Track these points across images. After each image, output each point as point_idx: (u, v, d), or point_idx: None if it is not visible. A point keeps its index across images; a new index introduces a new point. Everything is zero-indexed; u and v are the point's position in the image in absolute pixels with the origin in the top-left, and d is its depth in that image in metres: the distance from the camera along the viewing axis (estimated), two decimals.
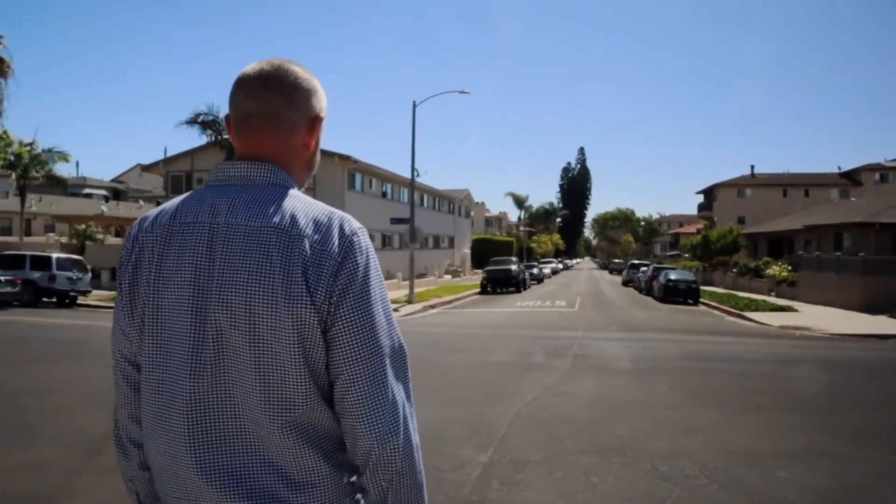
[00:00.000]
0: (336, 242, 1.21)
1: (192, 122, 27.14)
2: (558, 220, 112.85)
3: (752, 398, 7.95)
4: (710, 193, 68.32)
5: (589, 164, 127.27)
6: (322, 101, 1.37)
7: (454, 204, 55.44)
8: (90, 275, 22.56)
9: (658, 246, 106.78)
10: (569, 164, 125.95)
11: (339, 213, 1.28)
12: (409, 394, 1.29)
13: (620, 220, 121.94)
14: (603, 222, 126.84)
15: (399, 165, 77.90)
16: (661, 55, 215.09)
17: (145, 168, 35.57)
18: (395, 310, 22.22)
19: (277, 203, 1.23)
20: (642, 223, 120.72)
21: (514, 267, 36.00)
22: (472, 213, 69.37)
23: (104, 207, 43.89)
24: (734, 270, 38.78)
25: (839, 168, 65.61)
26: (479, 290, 34.19)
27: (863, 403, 8.06)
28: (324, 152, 31.59)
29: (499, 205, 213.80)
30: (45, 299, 20.86)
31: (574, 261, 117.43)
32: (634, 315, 22.45)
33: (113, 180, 60.08)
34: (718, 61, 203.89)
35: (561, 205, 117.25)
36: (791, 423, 6.67)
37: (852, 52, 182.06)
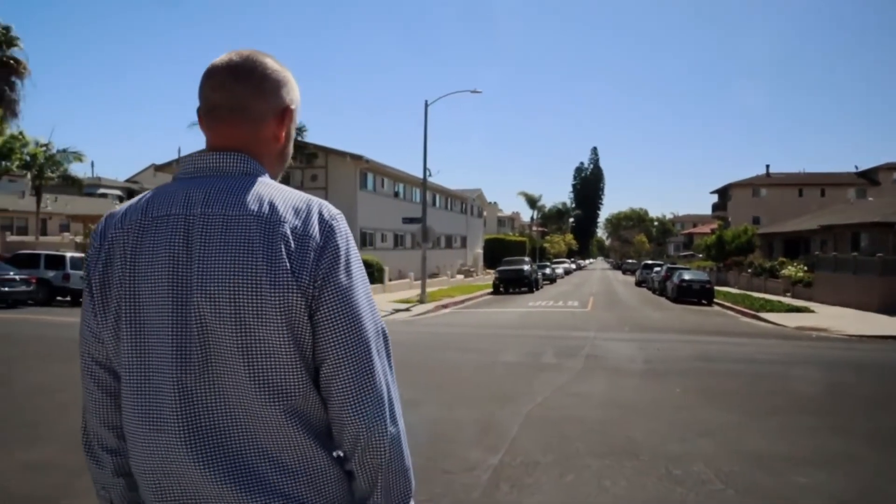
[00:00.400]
0: (316, 227, 1.21)
1: None
2: (571, 220, 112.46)
3: (767, 400, 7.81)
4: (724, 193, 67.80)
5: (602, 163, 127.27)
6: (293, 93, 1.35)
7: (466, 204, 55.36)
8: None
9: (671, 246, 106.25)
10: (582, 163, 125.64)
11: (316, 199, 1.27)
12: (393, 378, 1.26)
13: (633, 221, 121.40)
14: (616, 222, 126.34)
15: (411, 165, 77.92)
16: (674, 54, 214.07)
17: (159, 168, 35.81)
18: (407, 309, 22.23)
19: (253, 191, 1.21)
20: (656, 223, 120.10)
21: (526, 267, 35.88)
22: (485, 213, 69.25)
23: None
24: (749, 271, 38.43)
25: (856, 167, 64.94)
26: (491, 290, 34.11)
27: (882, 406, 7.89)
28: (336, 152, 32.05)
29: (511, 205, 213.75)
30: (59, 298, 21.03)
31: (587, 261, 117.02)
32: (647, 315, 22.27)
33: (127, 180, 60.46)
34: (734, 60, 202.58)
35: (574, 205, 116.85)
36: (808, 426, 6.53)
37: (869, 51, 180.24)
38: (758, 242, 45.52)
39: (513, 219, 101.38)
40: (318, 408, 1.20)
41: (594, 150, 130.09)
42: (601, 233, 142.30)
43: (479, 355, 11.50)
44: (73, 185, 33.76)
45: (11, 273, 19.60)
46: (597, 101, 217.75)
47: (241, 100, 1.27)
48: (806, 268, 31.31)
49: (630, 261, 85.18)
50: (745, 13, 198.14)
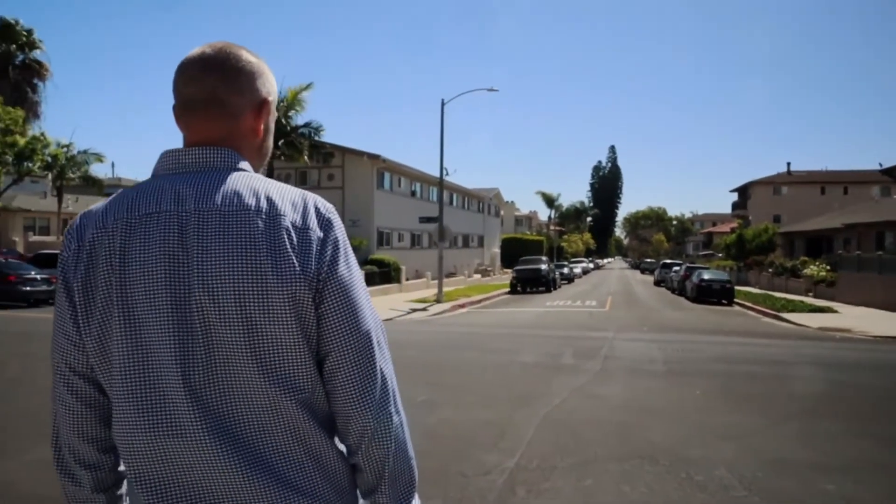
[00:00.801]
0: (315, 221, 1.20)
1: None
2: (589, 219, 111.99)
3: (791, 403, 7.63)
4: (744, 192, 67.03)
5: (620, 162, 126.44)
6: (269, 84, 1.32)
7: (483, 203, 55.20)
8: None
9: (690, 245, 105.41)
10: (599, 162, 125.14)
11: (310, 194, 1.25)
12: (392, 368, 1.28)
13: (652, 220, 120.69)
14: (634, 221, 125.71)
15: (428, 164, 77.89)
16: (693, 52, 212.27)
17: None
18: (424, 309, 22.19)
19: (247, 186, 1.19)
20: (674, 222, 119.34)
21: (544, 266, 35.70)
22: (502, 212, 69.04)
23: None
24: (770, 270, 37.93)
25: (880, 165, 63.07)
26: (508, 289, 34.01)
27: None
28: (353, 151, 32.08)
29: (529, 204, 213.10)
30: None
31: (605, 260, 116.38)
32: (667, 315, 22.02)
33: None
34: (754, 57, 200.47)
35: (592, 204, 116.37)
36: (835, 430, 6.35)
37: (894, 45, 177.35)
38: (779, 241, 44.95)
39: (530, 218, 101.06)
40: (324, 400, 1.19)
41: (612, 148, 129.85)
42: (619, 232, 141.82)
43: (496, 355, 11.39)
44: (93, 186, 34.08)
45: (33, 272, 19.84)
46: (615, 100, 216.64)
47: (215, 93, 1.23)
48: (829, 267, 30.82)
49: (648, 260, 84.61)
50: (766, 9, 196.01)
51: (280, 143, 27.35)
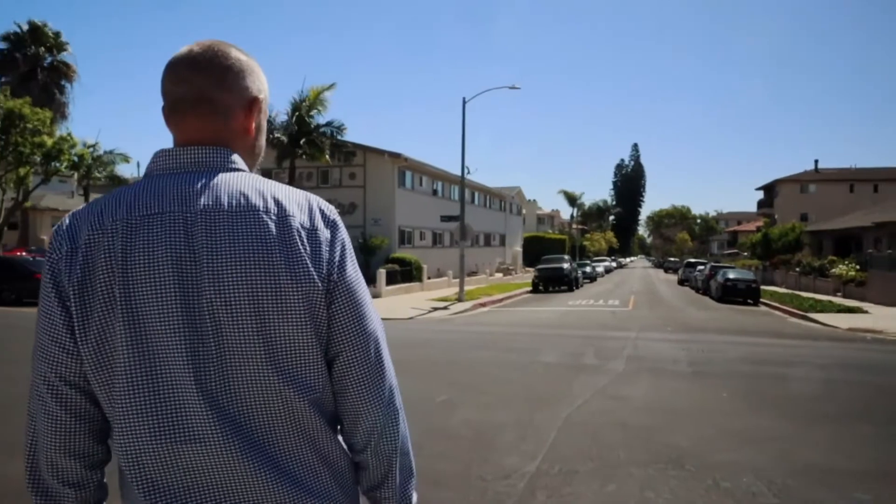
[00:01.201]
0: (321, 222, 1.20)
1: None
2: (612, 217, 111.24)
3: (822, 407, 7.40)
4: (770, 190, 66.02)
5: (643, 160, 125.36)
6: (260, 82, 1.28)
7: (505, 201, 54.98)
8: None
9: (715, 244, 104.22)
10: (622, 160, 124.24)
11: (311, 195, 1.24)
12: (392, 366, 1.28)
13: (676, 218, 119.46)
14: (658, 220, 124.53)
15: (450, 163, 77.80)
16: (716, 49, 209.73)
17: None
18: (445, 308, 22.12)
19: (250, 187, 1.17)
20: (698, 221, 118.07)
21: (566, 265, 35.47)
22: (524, 211, 68.74)
23: None
24: (797, 269, 37.30)
25: None
26: (530, 288, 33.84)
27: None
28: (374, 150, 32.08)
29: (551, 202, 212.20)
30: None
31: (628, 259, 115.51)
32: (691, 315, 21.70)
33: None
34: (780, 53, 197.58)
35: (614, 202, 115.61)
36: (868, 436, 6.14)
37: None
38: (806, 240, 44.17)
39: (552, 216, 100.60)
40: (331, 400, 1.20)
41: (635, 146, 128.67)
42: (642, 231, 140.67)
43: (517, 355, 11.27)
44: (119, 185, 34.43)
45: None
46: (638, 97, 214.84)
47: (204, 92, 1.20)
48: (858, 266, 30.20)
49: (672, 259, 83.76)
50: (793, 5, 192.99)
51: (302, 142, 27.43)
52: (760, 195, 70.60)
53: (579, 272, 39.17)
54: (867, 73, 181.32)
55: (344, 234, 1.23)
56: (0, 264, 20.52)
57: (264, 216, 1.14)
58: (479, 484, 4.57)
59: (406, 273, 29.35)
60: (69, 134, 32.13)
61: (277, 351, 1.11)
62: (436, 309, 21.83)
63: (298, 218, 1.17)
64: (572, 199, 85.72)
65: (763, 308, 26.04)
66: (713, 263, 39.98)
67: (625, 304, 26.15)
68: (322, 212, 1.21)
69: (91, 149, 31.48)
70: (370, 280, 26.64)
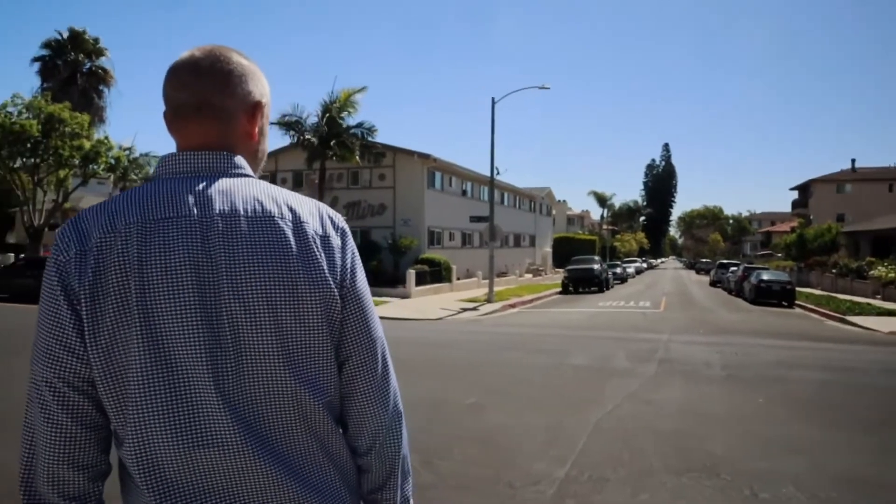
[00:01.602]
0: (332, 229, 1.22)
1: (279, 123, 27.77)
2: (642, 218, 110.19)
3: (864, 414, 7.17)
4: (805, 189, 64.68)
5: (674, 160, 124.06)
6: (261, 87, 1.28)
7: (535, 202, 54.70)
8: None
9: (748, 245, 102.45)
10: (653, 160, 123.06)
11: (320, 202, 1.27)
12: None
13: (708, 219, 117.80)
14: (689, 220, 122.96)
15: (479, 163, 77.66)
16: (747, 46, 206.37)
17: None
18: (474, 309, 22.06)
19: (263, 193, 1.18)
20: (731, 221, 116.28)
21: (596, 266, 35.16)
22: (554, 212, 68.29)
23: None
24: (833, 271, 36.43)
25: None
26: (560, 289, 33.57)
27: None
28: (404, 151, 32.12)
29: (581, 203, 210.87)
30: None
31: (659, 260, 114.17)
32: (724, 317, 21.31)
33: None
34: (815, 51, 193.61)
35: (645, 203, 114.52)
36: None
37: None
38: (843, 241, 43.16)
39: (582, 217, 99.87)
40: (338, 403, 1.22)
41: (666, 146, 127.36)
42: (673, 231, 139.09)
43: (546, 357, 11.16)
44: None
45: None
46: (669, 97, 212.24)
47: (206, 97, 1.20)
48: None
49: (704, 260, 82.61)
50: (826, 3, 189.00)
51: (332, 144, 27.56)
52: (795, 195, 69.26)
53: (609, 273, 38.79)
54: None
55: (352, 241, 1.26)
56: (40, 264, 20.98)
57: (280, 222, 1.15)
58: (507, 490, 4.51)
59: (435, 274, 29.34)
60: (106, 137, 32.80)
61: (294, 355, 1.12)
62: (465, 310, 21.77)
63: (312, 225, 1.19)
64: (602, 200, 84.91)
65: (798, 310, 25.49)
66: (746, 264, 39.27)
67: (656, 305, 25.81)
68: (331, 219, 1.24)
69: (127, 151, 32.03)
70: (400, 281, 26.71)
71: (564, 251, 56.11)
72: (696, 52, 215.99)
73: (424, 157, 32.15)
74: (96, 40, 42.24)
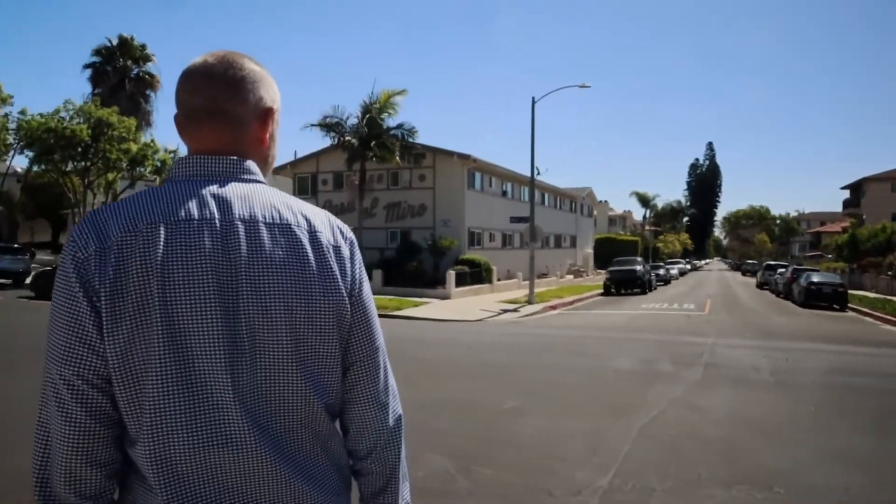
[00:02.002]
0: (342, 239, 1.26)
1: (320, 124, 28.01)
2: (686, 218, 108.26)
3: None
4: (857, 188, 62.64)
5: (718, 159, 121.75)
6: (272, 93, 1.29)
7: (576, 202, 54.13)
8: None
9: (796, 246, 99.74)
10: (696, 160, 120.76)
11: (329, 213, 1.29)
12: None
13: (754, 219, 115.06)
14: (734, 221, 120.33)
15: (519, 164, 77.35)
16: (794, 41, 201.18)
17: (274, 171, 36.96)
18: (515, 310, 21.87)
19: (279, 200, 1.21)
20: (778, 221, 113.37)
21: (638, 267, 34.57)
22: (595, 212, 67.57)
23: None
24: (889, 273, 35.18)
25: None
26: (601, 290, 33.14)
27: None
28: (443, 151, 32.07)
29: (623, 203, 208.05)
30: None
31: (703, 261, 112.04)
32: (772, 321, 20.70)
33: None
34: (865, 45, 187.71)
35: (688, 203, 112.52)
36: None
37: None
38: None
39: (624, 218, 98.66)
40: (339, 405, 1.25)
41: (709, 145, 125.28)
42: (718, 232, 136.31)
43: (588, 360, 10.96)
44: None
45: None
46: (714, 94, 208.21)
47: (218, 103, 1.21)
48: None
49: (750, 261, 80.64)
50: None
51: (372, 145, 27.68)
52: (846, 194, 67.15)
53: (652, 274, 38.13)
54: None
55: (359, 251, 1.30)
56: None
57: (296, 230, 1.18)
58: (546, 499, 4.38)
59: (476, 275, 29.21)
60: (153, 140, 33.63)
61: (305, 360, 1.15)
62: (505, 311, 21.61)
63: (325, 234, 1.22)
64: (645, 200, 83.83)
65: (851, 314, 24.65)
66: (795, 266, 38.17)
67: (700, 307, 25.23)
68: (341, 230, 1.27)
69: (172, 154, 32.73)
70: (440, 282, 26.66)
71: (606, 252, 55.42)
72: (741, 49, 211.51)
73: (464, 157, 32.04)
74: (143, 46, 43.31)
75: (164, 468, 1.07)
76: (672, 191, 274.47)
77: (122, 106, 34.78)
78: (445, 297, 25.52)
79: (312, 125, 28.24)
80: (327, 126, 28.16)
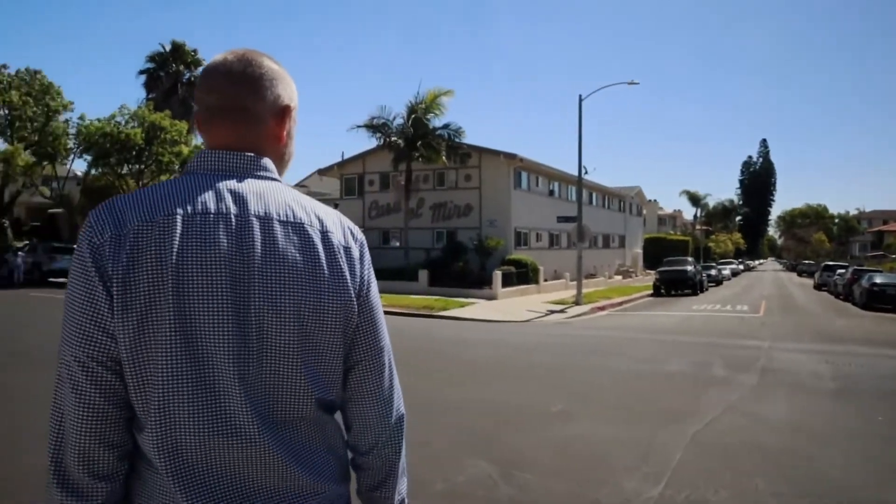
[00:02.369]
0: (352, 240, 1.28)
1: (367, 125, 28.17)
2: (738, 218, 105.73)
3: None
4: None
5: (773, 156, 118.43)
6: (290, 91, 1.31)
7: (624, 202, 53.28)
8: None
9: (856, 246, 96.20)
10: (750, 157, 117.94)
11: (341, 214, 1.31)
12: None
13: (810, 218, 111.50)
14: (790, 220, 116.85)
15: (566, 163, 76.65)
16: (848, 34, 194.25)
17: (322, 172, 37.48)
18: (562, 311, 21.57)
19: (294, 199, 1.23)
20: (836, 220, 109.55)
21: (689, 267, 33.75)
22: (644, 212, 66.39)
23: None
24: None
25: None
26: (651, 291, 32.44)
27: None
28: (489, 151, 31.96)
29: (673, 202, 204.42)
30: None
31: (756, 262, 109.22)
32: (832, 324, 19.86)
33: (297, 184, 64.53)
34: None
35: (741, 201, 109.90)
36: None
37: None
38: None
39: (674, 217, 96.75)
40: (339, 400, 1.28)
41: (763, 142, 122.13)
42: (772, 231, 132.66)
43: (637, 363, 10.65)
44: None
45: None
46: (766, 90, 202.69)
47: (238, 100, 1.24)
48: None
49: (807, 262, 78.13)
50: None
51: (418, 145, 27.69)
52: None
53: (703, 275, 37.18)
54: None
55: (368, 254, 1.32)
56: None
57: (309, 229, 1.20)
58: None
59: (522, 275, 28.93)
60: (203, 143, 34.33)
61: (310, 355, 1.17)
62: (552, 312, 21.32)
63: (336, 235, 1.24)
64: (695, 199, 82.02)
65: None
66: (856, 266, 36.72)
67: (755, 309, 24.42)
68: (351, 231, 1.29)
69: None
70: (486, 282, 26.49)
71: (655, 252, 54.48)
72: (793, 44, 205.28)
73: (510, 157, 31.79)
74: (195, 51, 44.34)
75: (171, 454, 1.09)
76: (723, 189, 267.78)
77: (174, 110, 35.64)
78: (492, 298, 25.34)
79: (359, 126, 28.48)
80: (374, 127, 28.31)
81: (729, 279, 52.71)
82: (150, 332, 1.08)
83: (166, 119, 31.09)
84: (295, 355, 1.15)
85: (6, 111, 30.44)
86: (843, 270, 35.85)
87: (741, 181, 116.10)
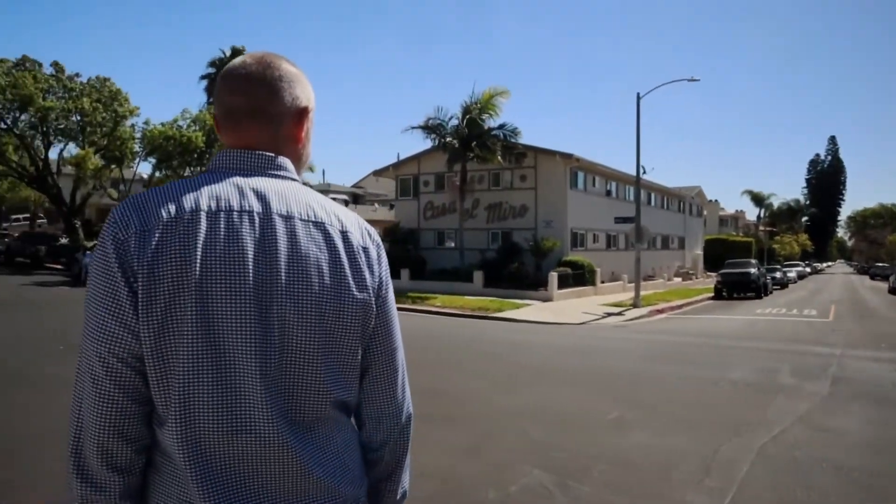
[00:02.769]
0: (370, 241, 1.30)
1: (422, 126, 28.22)
2: (805, 218, 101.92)
3: None
4: None
5: (842, 154, 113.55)
6: (307, 92, 1.34)
7: (684, 202, 51.96)
8: None
9: None
10: (817, 155, 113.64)
11: (358, 215, 1.33)
12: None
13: (884, 218, 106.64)
14: (861, 221, 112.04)
15: (623, 162, 75.39)
16: None
17: (377, 173, 37.73)
18: (619, 314, 21.12)
19: (314, 199, 1.25)
20: None
21: (753, 270, 32.63)
22: (705, 212, 64.63)
23: None
24: None
25: None
26: (712, 294, 31.57)
27: None
28: (545, 151, 31.61)
29: (735, 203, 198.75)
30: None
31: (824, 264, 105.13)
32: None
33: (353, 186, 65.27)
34: None
35: (808, 202, 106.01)
36: None
37: None
38: None
39: (736, 218, 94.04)
40: (356, 399, 1.29)
41: (832, 139, 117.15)
42: (842, 233, 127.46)
43: (698, 369, 10.24)
44: None
45: None
46: (833, 86, 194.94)
47: (258, 102, 1.26)
48: None
49: (880, 264, 74.71)
50: None
51: (473, 145, 27.56)
52: None
53: (768, 277, 35.93)
54: None
55: (385, 255, 1.33)
56: None
57: (330, 229, 1.22)
58: None
59: (578, 276, 28.47)
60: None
61: (330, 354, 1.19)
62: (609, 314, 20.88)
63: (356, 235, 1.26)
64: (759, 200, 79.54)
65: None
66: None
67: (824, 314, 23.36)
68: (369, 232, 1.32)
69: None
70: (541, 283, 26.16)
71: (717, 254, 53.04)
72: (865, 36, 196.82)
73: (566, 156, 31.33)
74: (241, 51, 45.29)
75: (192, 450, 1.10)
76: (788, 189, 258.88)
77: None
78: (547, 300, 25.00)
79: (414, 127, 28.54)
80: (429, 128, 28.32)
81: (795, 282, 50.92)
82: (172, 328, 1.09)
83: None
84: (316, 354, 1.17)
85: (78, 117, 31.67)
86: None
87: (808, 180, 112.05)
